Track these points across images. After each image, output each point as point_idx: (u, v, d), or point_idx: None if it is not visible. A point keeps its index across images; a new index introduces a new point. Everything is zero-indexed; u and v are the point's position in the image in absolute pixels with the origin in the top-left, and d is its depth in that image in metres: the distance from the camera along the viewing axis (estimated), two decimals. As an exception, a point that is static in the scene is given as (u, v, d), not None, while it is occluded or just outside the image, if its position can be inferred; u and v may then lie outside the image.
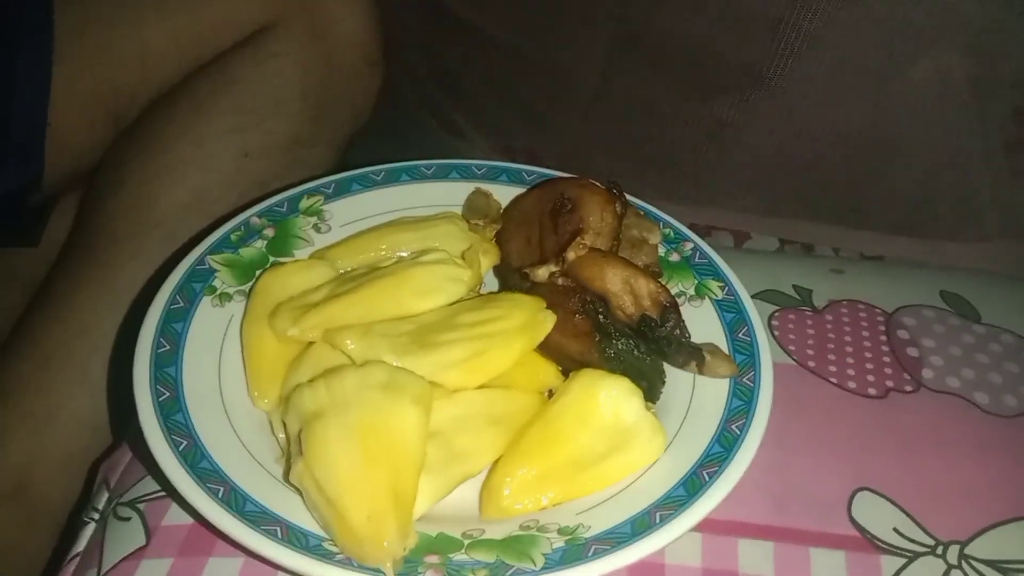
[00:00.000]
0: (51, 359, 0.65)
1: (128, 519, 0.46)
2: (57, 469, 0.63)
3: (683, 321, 0.47)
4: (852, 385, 0.55)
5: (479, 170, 0.62)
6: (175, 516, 0.46)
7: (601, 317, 0.48)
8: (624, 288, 0.48)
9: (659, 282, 0.48)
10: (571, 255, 0.49)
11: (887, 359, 0.57)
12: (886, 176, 0.71)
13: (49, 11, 0.70)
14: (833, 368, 0.56)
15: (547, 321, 0.48)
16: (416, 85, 0.86)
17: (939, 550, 0.46)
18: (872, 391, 0.55)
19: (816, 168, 0.72)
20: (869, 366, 0.56)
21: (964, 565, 0.46)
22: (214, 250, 0.53)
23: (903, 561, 0.46)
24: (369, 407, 0.42)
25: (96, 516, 0.49)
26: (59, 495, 0.63)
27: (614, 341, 0.47)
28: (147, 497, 0.47)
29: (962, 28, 0.60)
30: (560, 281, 0.50)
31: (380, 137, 0.82)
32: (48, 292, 0.69)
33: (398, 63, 0.83)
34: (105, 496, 0.50)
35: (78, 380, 0.65)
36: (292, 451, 0.43)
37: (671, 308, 0.47)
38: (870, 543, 0.47)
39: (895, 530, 0.47)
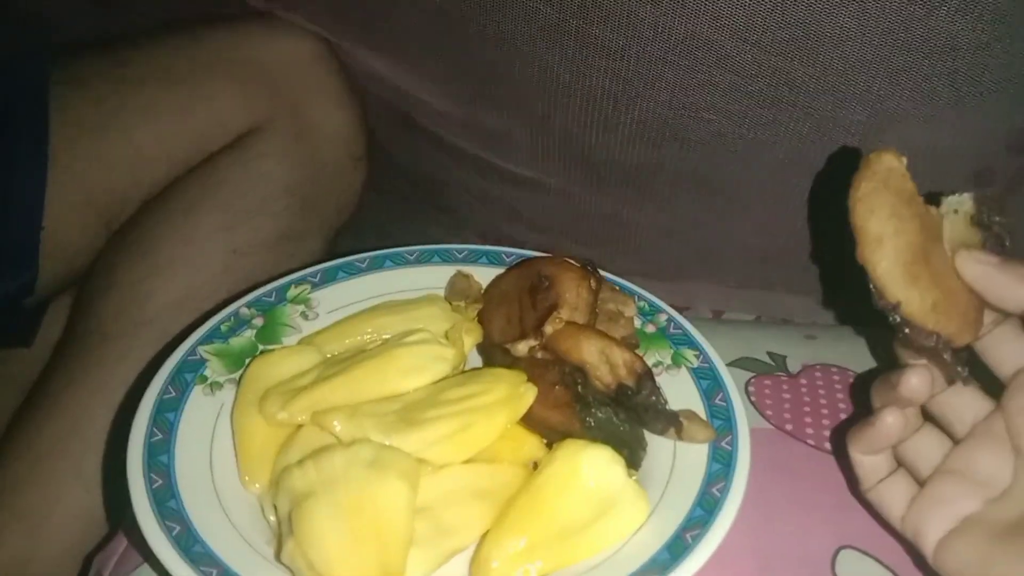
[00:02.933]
0: (45, 457, 0.66)
1: (122, 609, 0.47)
2: (51, 567, 0.63)
3: (659, 388, 0.49)
4: (828, 446, 0.56)
5: (460, 254, 0.64)
6: (168, 604, 0.46)
7: (580, 388, 0.49)
8: (600, 358, 0.50)
9: (634, 351, 0.50)
10: (549, 329, 0.51)
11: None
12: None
13: (44, 121, 0.73)
14: (810, 430, 0.57)
15: (528, 394, 0.50)
16: (397, 182, 0.89)
17: (924, 606, 0.47)
18: (849, 451, 0.56)
19: (779, 256, 0.74)
20: (845, 427, 0.57)
21: (949, 620, 0.46)
22: (204, 341, 0.55)
23: (889, 617, 0.46)
24: (356, 484, 0.43)
25: (90, 609, 0.49)
26: (53, 592, 0.63)
27: (593, 410, 0.49)
28: (141, 586, 0.48)
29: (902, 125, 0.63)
30: (539, 355, 0.51)
31: (366, 228, 0.85)
32: (41, 391, 0.70)
33: (381, 159, 0.87)
34: (99, 588, 0.50)
35: (72, 477, 0.65)
36: (283, 531, 0.43)
37: (646, 376, 0.49)
38: (856, 600, 0.47)
39: (880, 587, 0.48)
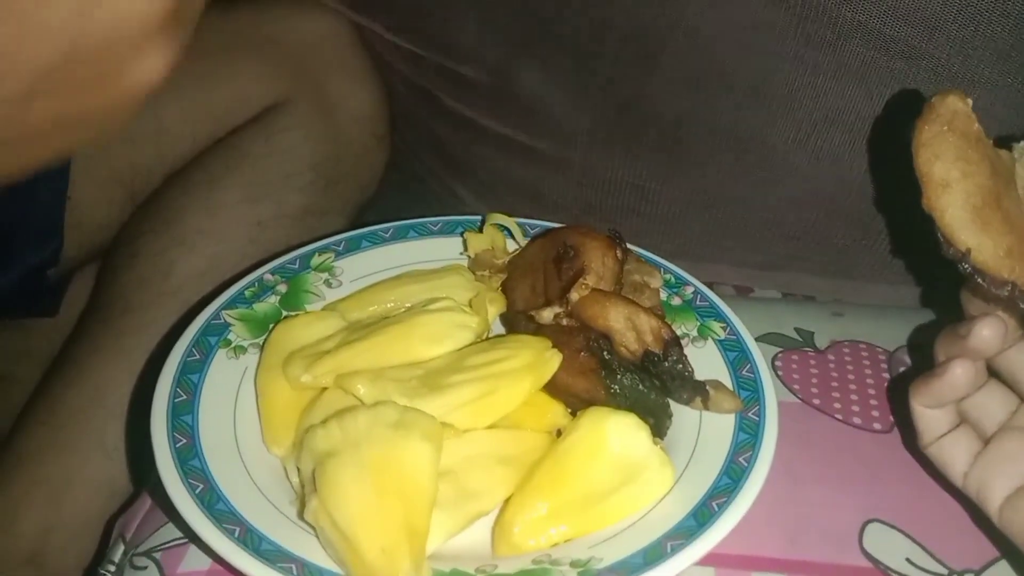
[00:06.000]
0: (67, 425, 0.66)
1: (144, 568, 0.47)
2: (73, 533, 0.63)
3: (685, 356, 0.48)
4: (857, 420, 0.55)
5: (484, 226, 0.64)
6: (190, 562, 0.46)
7: (605, 354, 0.49)
8: (627, 325, 0.49)
9: (660, 318, 0.49)
10: (574, 296, 0.51)
11: (891, 394, 0.57)
12: (881, 232, 0.72)
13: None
14: (838, 405, 0.56)
15: (553, 359, 0.50)
16: (420, 160, 0.89)
17: (953, 578, 0.46)
18: (877, 426, 0.55)
19: (808, 229, 0.73)
20: (873, 402, 0.57)
21: (979, 593, 0.46)
22: (228, 305, 0.55)
23: (918, 590, 0.46)
24: (380, 443, 0.43)
25: (112, 569, 0.49)
26: (75, 558, 0.63)
27: (619, 377, 0.48)
28: (163, 546, 0.48)
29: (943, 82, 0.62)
30: (564, 321, 0.51)
31: (388, 207, 0.84)
32: (65, 360, 0.70)
33: (404, 139, 0.86)
34: (121, 549, 0.50)
35: (94, 445, 0.66)
36: (306, 490, 0.43)
37: (673, 343, 0.48)
38: (884, 574, 0.46)
39: (908, 560, 0.47)
